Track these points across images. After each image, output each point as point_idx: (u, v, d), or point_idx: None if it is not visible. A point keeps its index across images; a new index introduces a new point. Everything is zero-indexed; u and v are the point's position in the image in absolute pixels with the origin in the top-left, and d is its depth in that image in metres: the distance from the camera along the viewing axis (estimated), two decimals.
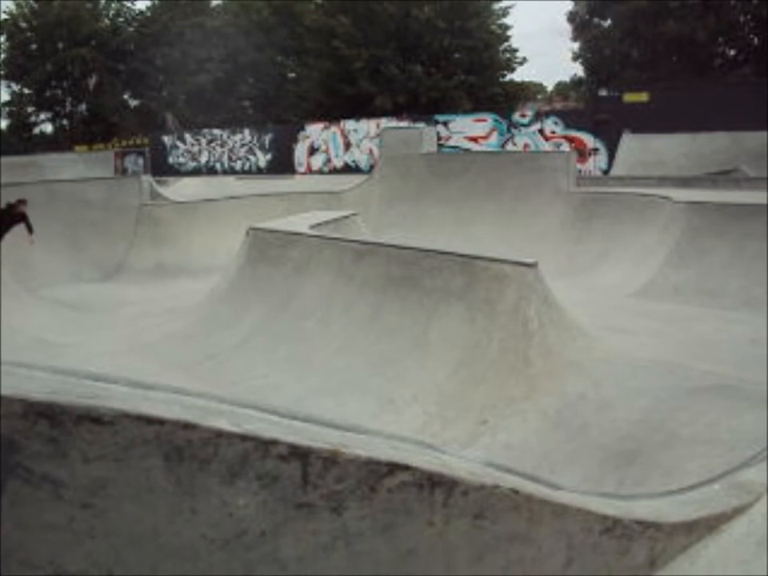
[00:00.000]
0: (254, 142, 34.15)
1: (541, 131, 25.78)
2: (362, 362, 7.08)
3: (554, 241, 13.25)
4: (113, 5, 48.25)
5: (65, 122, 49.21)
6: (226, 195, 17.47)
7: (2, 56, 47.01)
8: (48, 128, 50.20)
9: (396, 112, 32.13)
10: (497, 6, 37.35)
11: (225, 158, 35.19)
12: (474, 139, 26.96)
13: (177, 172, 34.78)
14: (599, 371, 5.85)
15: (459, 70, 35.82)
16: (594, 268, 11.85)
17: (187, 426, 1.33)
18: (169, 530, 1.34)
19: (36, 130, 49.95)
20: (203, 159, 35.93)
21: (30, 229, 12.32)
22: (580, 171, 19.95)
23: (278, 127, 34.97)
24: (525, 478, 1.84)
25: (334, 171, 30.03)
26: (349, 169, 29.75)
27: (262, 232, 9.95)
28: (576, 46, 36.63)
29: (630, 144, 21.37)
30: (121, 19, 48.33)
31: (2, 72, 46.88)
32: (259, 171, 33.03)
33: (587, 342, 6.49)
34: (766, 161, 16.77)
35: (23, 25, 46.44)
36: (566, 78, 43.06)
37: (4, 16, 45.79)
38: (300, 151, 32.13)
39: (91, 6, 47.49)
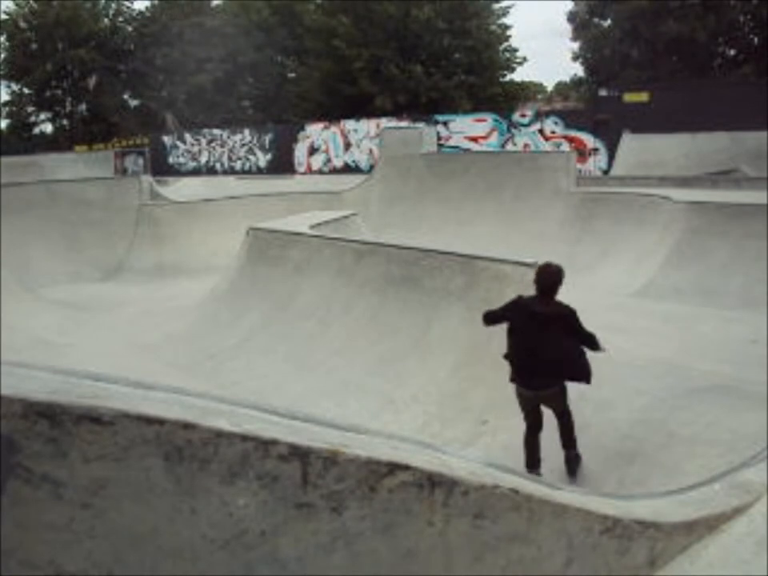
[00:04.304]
0: (254, 142, 34.12)
1: (541, 131, 25.76)
2: (362, 362, 7.07)
3: (553, 241, 13.23)
4: (112, 5, 48.26)
5: (65, 121, 49.14)
6: (225, 195, 17.46)
7: (2, 56, 47.01)
8: (48, 128, 50.20)
9: (396, 112, 32.10)
10: (497, 5, 37.36)
11: (225, 158, 35.16)
12: (474, 139, 26.94)
13: (177, 172, 34.76)
14: (599, 371, 5.84)
15: (459, 70, 35.81)
16: (594, 268, 11.82)
17: (187, 426, 1.33)
18: (169, 530, 1.34)
19: (36, 130, 49.90)
20: (203, 159, 35.91)
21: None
22: (580, 171, 19.93)
23: (278, 127, 34.94)
24: (525, 478, 1.83)
25: (334, 171, 30.00)
26: (349, 169, 29.73)
27: (261, 232, 9.95)
28: (576, 45, 36.63)
29: (630, 144, 21.36)
30: (120, 19, 48.31)
31: (2, 72, 46.84)
32: (259, 171, 33.01)
33: None
34: (766, 161, 16.76)
35: (23, 25, 46.39)
36: (566, 78, 43.09)
37: (4, 16, 45.81)
38: (300, 151, 32.11)
39: (90, 6, 47.47)
